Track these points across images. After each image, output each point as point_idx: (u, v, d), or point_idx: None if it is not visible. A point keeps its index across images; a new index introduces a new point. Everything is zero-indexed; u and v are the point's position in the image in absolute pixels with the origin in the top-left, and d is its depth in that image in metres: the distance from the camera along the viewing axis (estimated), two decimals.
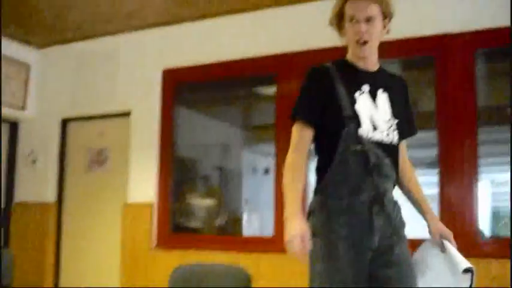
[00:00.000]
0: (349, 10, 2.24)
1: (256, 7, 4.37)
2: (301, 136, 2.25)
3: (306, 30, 4.21)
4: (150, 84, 4.79)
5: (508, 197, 3.49)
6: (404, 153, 2.41)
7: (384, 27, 2.29)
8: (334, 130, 2.20)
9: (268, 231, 4.29)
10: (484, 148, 3.69)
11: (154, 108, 4.75)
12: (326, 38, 3.85)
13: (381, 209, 2.17)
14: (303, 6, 4.26)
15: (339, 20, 2.30)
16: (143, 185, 4.68)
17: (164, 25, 4.71)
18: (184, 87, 4.69)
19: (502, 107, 3.84)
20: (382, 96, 2.28)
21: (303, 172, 2.21)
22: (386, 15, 2.27)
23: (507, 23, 3.64)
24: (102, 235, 4.94)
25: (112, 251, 4.77)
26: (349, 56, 2.32)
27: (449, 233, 2.30)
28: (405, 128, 2.34)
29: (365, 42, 2.23)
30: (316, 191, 2.24)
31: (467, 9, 3.82)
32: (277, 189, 4.25)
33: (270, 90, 4.42)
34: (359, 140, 2.18)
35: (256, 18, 4.42)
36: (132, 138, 4.82)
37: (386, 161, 2.20)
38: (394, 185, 2.26)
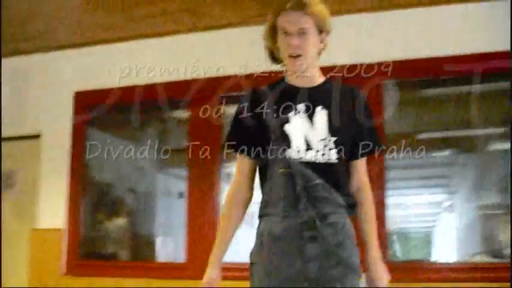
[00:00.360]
0: (281, 23, 2.19)
1: (174, 32, 4.35)
2: (237, 166, 2.25)
3: (218, 57, 4.23)
4: (62, 107, 4.69)
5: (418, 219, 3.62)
6: (361, 175, 2.26)
7: (321, 41, 2.23)
8: (264, 154, 2.19)
9: (182, 256, 4.25)
10: (392, 172, 3.75)
11: (65, 131, 4.64)
12: (240, 64, 4.02)
13: (314, 235, 2.07)
14: (219, 33, 4.29)
15: (273, 34, 2.25)
16: (53, 209, 4.56)
17: (77, 47, 4.62)
18: (97, 110, 4.61)
19: (408, 134, 3.97)
20: (321, 114, 2.19)
21: (236, 205, 2.21)
22: (322, 30, 2.21)
23: (414, 55, 3.81)
24: (9, 261, 4.74)
25: (19, 279, 4.60)
26: (287, 74, 2.28)
27: (381, 283, 2.17)
28: (355, 145, 2.22)
29: (298, 56, 2.17)
30: (258, 217, 2.22)
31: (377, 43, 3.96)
32: (189, 213, 4.22)
33: (184, 114, 4.41)
34: (286, 162, 2.12)
35: (172, 43, 4.41)
36: (42, 162, 4.70)
37: (319, 181, 2.10)
38: (346, 206, 2.15)
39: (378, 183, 3.70)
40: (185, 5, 4.10)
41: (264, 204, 2.15)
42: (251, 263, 2.13)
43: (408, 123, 4.05)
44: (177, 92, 4.36)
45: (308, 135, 2.15)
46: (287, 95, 2.21)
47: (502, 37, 3.70)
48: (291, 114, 2.18)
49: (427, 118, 3.82)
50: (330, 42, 2.20)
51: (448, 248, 6.35)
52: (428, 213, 7.37)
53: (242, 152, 2.22)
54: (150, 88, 4.40)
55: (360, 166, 2.25)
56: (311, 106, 2.18)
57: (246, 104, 2.23)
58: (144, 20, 4.27)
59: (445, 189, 6.05)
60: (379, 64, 3.85)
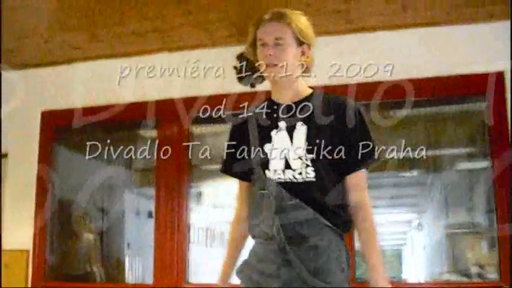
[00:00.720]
0: (259, 34, 2.18)
1: (141, 52, 4.31)
2: (238, 188, 2.32)
3: (188, 78, 4.12)
4: (28, 126, 4.62)
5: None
6: (356, 190, 2.12)
7: (302, 53, 2.18)
8: (250, 176, 2.21)
9: (150, 278, 4.18)
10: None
11: (32, 151, 4.57)
12: (210, 85, 3.97)
13: (287, 259, 2.03)
14: (189, 53, 4.26)
15: (254, 48, 2.23)
16: (18, 230, 4.46)
17: (45, 66, 4.56)
18: (65, 129, 4.55)
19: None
20: (300, 130, 2.14)
21: (241, 224, 2.27)
22: (302, 41, 2.17)
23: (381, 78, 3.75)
24: None
25: None
26: (272, 90, 2.27)
27: None
28: (345, 159, 2.10)
29: (274, 65, 2.14)
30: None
31: None
32: (157, 234, 4.17)
33: (153, 133, 4.38)
34: (263, 182, 2.12)
35: (139, 63, 4.24)
36: (8, 182, 4.60)
37: (294, 202, 2.05)
38: (334, 226, 2.06)
39: None
40: (154, 25, 4.03)
41: (250, 225, 2.18)
42: (237, 275, 2.21)
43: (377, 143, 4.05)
44: (145, 112, 4.30)
45: (287, 154, 2.12)
46: (270, 113, 2.21)
47: (470, 60, 3.75)
48: (272, 133, 2.17)
49: (395, 138, 3.82)
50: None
51: (417, 266, 6.37)
52: (398, 232, 7.41)
53: (236, 176, 2.29)
54: (120, 108, 4.34)
55: (354, 181, 2.12)
56: (292, 122, 2.15)
57: (233, 129, 2.29)
58: (112, 39, 4.22)
59: (414, 208, 6.09)
60: (346, 86, 3.77)
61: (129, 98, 4.33)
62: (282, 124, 2.15)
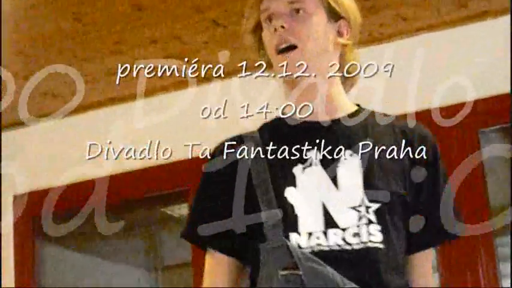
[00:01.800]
0: (264, 6, 1.49)
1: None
2: (207, 266, 1.50)
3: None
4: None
5: None
6: (425, 275, 1.51)
7: (340, 33, 1.50)
8: (251, 247, 1.42)
9: None
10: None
11: (6, 247, 3.41)
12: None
13: None
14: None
15: (257, 34, 1.54)
16: None
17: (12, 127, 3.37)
18: (50, 217, 3.27)
19: None
20: (350, 163, 1.45)
21: None
22: (338, 13, 1.49)
23: None
24: None
25: None
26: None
27: None
28: (416, 221, 1.45)
29: (290, 48, 1.45)
30: None
31: None
32: None
33: (182, 210, 3.20)
34: (290, 256, 1.36)
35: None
36: None
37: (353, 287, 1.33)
38: None
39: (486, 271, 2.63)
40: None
41: None
42: None
43: None
44: (170, 180, 3.10)
45: (329, 202, 1.42)
46: (289, 137, 1.49)
47: None
48: (296, 170, 1.44)
49: None
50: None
51: None
52: None
53: (212, 246, 1.48)
54: (127, 179, 3.16)
55: (423, 260, 1.52)
56: (332, 151, 1.46)
57: (217, 165, 1.50)
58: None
59: None
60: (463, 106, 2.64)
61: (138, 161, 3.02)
62: (313, 155, 1.46)
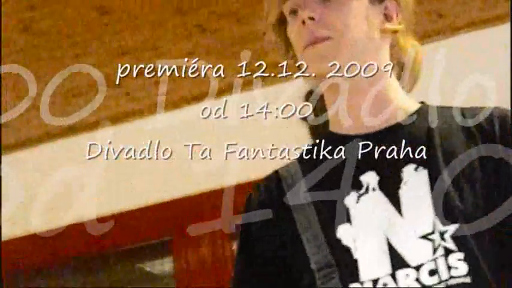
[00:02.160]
0: None
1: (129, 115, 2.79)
2: None
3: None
4: None
5: None
6: None
7: (388, 17, 1.30)
8: None
9: None
10: None
11: None
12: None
13: None
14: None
15: (281, 28, 1.34)
16: None
17: None
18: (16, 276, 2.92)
19: None
20: (415, 181, 1.21)
21: None
22: None
23: None
24: None
25: None
26: (331, 120, 1.32)
27: None
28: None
29: (323, 40, 1.23)
30: None
31: None
32: None
33: (164, 266, 2.80)
34: None
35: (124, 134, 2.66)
36: None
37: None
38: None
39: None
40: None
41: None
42: None
43: None
44: (147, 230, 2.71)
45: (393, 235, 1.20)
46: (335, 163, 1.29)
47: None
48: (348, 201, 1.23)
49: None
50: None
51: None
52: None
53: None
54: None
55: None
56: (392, 169, 1.23)
57: (253, 220, 1.30)
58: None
59: None
60: None
61: (111, 205, 2.71)
62: (370, 178, 1.24)
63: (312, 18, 1.27)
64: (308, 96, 1.39)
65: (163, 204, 2.65)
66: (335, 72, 1.28)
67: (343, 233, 1.24)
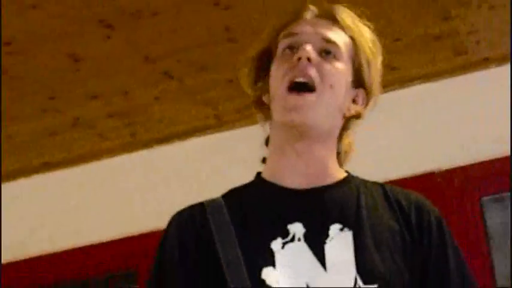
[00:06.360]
0: (287, 31, 1.35)
1: (91, 157, 2.80)
2: None
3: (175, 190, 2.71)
4: None
5: None
6: None
7: (354, 101, 1.35)
8: None
9: None
10: None
11: None
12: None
13: None
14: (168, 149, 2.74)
15: (261, 64, 1.37)
16: None
17: None
18: None
19: None
20: (340, 240, 1.27)
21: None
22: (360, 76, 1.35)
23: None
24: None
25: None
26: (268, 167, 1.34)
27: None
28: None
29: (308, 90, 1.27)
30: None
31: None
32: None
33: None
34: None
35: (90, 174, 2.83)
36: None
37: None
38: None
39: None
40: (111, 107, 2.62)
41: None
42: None
43: None
44: (117, 260, 2.73)
45: (314, 284, 1.22)
46: (266, 208, 1.29)
47: None
48: (275, 245, 1.24)
49: None
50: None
51: None
52: None
53: None
54: (70, 258, 2.76)
55: None
56: (319, 225, 1.26)
57: (170, 239, 1.29)
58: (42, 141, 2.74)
59: None
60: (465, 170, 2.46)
61: (85, 238, 2.75)
62: (297, 228, 1.26)
63: (309, 60, 1.29)
64: (268, 141, 1.38)
65: (129, 238, 2.70)
66: (301, 128, 1.29)
67: (268, 274, 1.24)
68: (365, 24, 1.39)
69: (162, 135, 2.71)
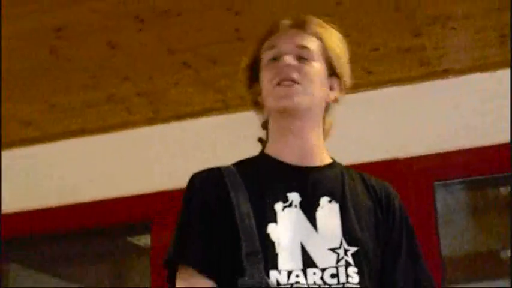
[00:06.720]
0: (269, 43, 1.39)
1: (120, 127, 2.80)
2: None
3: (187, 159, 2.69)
4: None
5: None
6: None
7: (331, 88, 1.39)
8: (227, 278, 1.21)
9: None
10: None
11: None
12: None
13: None
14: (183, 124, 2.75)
15: (253, 73, 1.41)
16: None
17: None
18: (18, 242, 2.90)
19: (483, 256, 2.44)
20: (329, 209, 1.31)
21: None
22: (333, 68, 1.39)
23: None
24: None
25: None
26: (270, 146, 1.38)
27: None
28: (389, 275, 1.32)
29: (293, 83, 1.32)
30: None
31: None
32: None
33: (145, 241, 2.84)
34: None
35: (121, 140, 2.83)
36: None
37: None
38: None
39: None
40: (138, 87, 2.60)
41: None
42: None
43: (481, 238, 2.53)
44: (133, 213, 2.72)
45: (307, 243, 1.26)
46: (270, 176, 1.33)
47: None
48: (277, 207, 1.27)
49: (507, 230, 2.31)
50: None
51: None
52: None
53: (191, 263, 1.24)
54: (94, 208, 2.76)
55: None
56: (311, 196, 1.31)
57: (196, 195, 1.30)
58: (81, 111, 2.73)
59: None
60: (422, 158, 2.44)
61: (110, 192, 2.75)
62: (294, 197, 1.29)
63: (290, 65, 1.35)
64: (265, 124, 1.43)
65: (148, 195, 2.71)
66: (292, 111, 1.33)
67: (272, 229, 1.27)
68: (332, 27, 1.44)
69: (179, 113, 2.74)
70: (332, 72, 1.40)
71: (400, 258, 1.34)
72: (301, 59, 1.36)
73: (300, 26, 1.41)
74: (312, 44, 1.38)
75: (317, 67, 1.37)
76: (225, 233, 1.25)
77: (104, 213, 2.76)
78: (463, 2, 2.15)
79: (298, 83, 1.34)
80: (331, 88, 1.41)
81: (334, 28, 1.44)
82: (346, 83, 1.43)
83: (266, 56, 1.39)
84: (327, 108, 1.41)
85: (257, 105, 1.43)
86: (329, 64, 1.39)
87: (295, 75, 1.33)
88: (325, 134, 1.43)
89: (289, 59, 1.34)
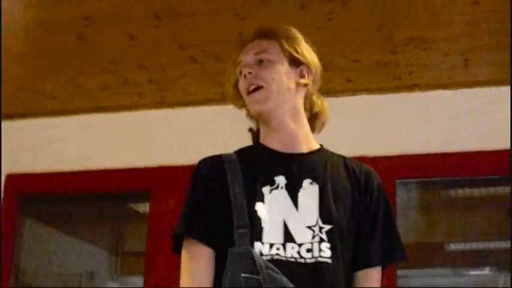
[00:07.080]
0: (238, 60, 1.38)
1: (134, 107, 2.77)
2: (194, 259, 1.25)
3: (186, 141, 2.70)
4: None
5: None
6: None
7: (301, 75, 1.35)
8: (222, 248, 1.24)
9: None
10: None
11: None
12: (218, 148, 2.51)
13: None
14: (191, 110, 2.74)
15: (236, 87, 1.38)
16: None
17: (12, 118, 2.88)
18: (35, 198, 2.88)
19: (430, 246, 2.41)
20: (309, 190, 1.30)
21: None
22: (297, 59, 1.35)
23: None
24: None
25: None
26: (263, 138, 1.38)
27: None
28: (365, 247, 1.30)
29: (257, 88, 1.31)
30: None
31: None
32: None
33: (144, 208, 2.81)
34: (252, 261, 1.20)
35: (132, 120, 2.82)
36: None
37: None
38: None
39: None
40: (151, 75, 2.59)
41: None
42: None
43: (430, 232, 2.50)
44: (135, 182, 2.70)
45: (289, 220, 1.27)
46: (261, 163, 1.34)
47: None
48: (265, 189, 1.29)
49: (455, 226, 2.28)
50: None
51: None
52: None
53: (203, 240, 1.25)
54: (102, 175, 2.74)
55: (371, 279, 1.29)
56: (295, 179, 1.32)
57: (201, 176, 1.31)
58: (99, 91, 2.71)
59: None
60: (388, 158, 2.40)
61: (117, 162, 2.73)
62: (280, 180, 1.31)
63: (250, 73, 1.35)
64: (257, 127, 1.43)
65: (149, 168, 2.68)
66: (266, 113, 1.33)
67: (259, 208, 1.28)
68: (290, 28, 1.42)
69: (183, 101, 2.74)
70: (297, 61, 1.37)
71: (376, 232, 1.31)
72: (261, 62, 1.35)
73: (261, 35, 1.40)
74: (269, 45, 1.36)
75: (275, 64, 1.35)
76: (223, 211, 1.29)
77: (111, 181, 2.78)
78: (436, 28, 2.19)
79: (261, 87, 1.34)
80: (301, 76, 1.38)
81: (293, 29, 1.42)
82: (315, 64, 1.39)
83: (237, 71, 1.40)
84: (307, 95, 1.38)
85: (250, 116, 1.42)
86: (291, 56, 1.37)
87: (256, 81, 1.33)
88: (320, 115, 1.40)
89: (248, 69, 1.35)
